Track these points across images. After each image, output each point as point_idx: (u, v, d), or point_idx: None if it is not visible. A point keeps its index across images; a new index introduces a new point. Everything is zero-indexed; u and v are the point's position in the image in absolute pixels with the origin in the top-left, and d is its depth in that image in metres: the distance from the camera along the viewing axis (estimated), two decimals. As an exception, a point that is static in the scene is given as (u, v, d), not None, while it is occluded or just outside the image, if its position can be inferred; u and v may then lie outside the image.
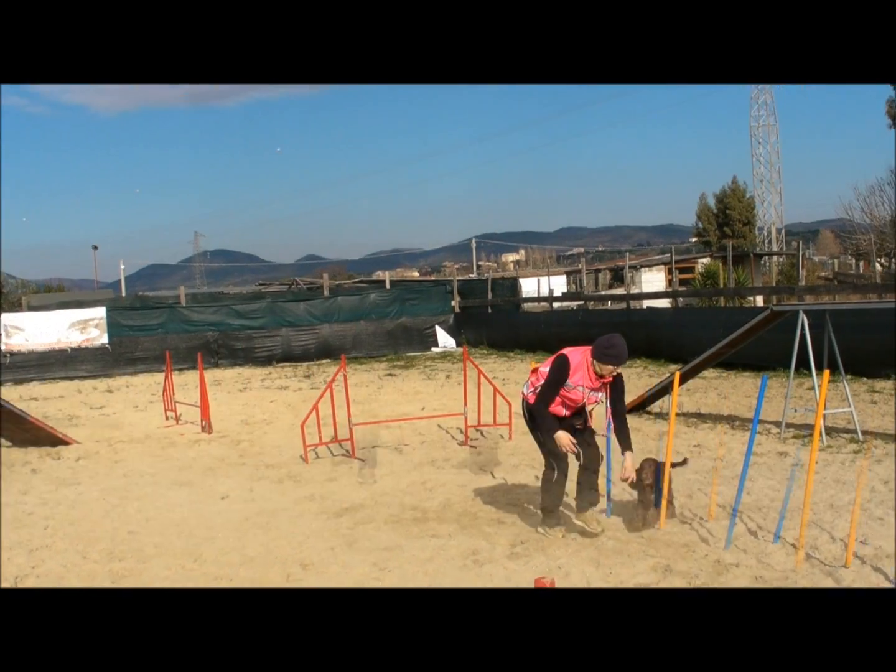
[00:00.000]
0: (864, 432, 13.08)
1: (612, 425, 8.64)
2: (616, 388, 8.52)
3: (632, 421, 15.18)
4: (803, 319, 13.30)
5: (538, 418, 8.54)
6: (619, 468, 8.76)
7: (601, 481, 9.11)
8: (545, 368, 8.59)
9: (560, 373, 8.39)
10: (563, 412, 8.58)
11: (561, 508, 8.93)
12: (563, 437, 8.30)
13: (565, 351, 8.53)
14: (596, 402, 8.60)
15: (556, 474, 8.61)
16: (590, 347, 8.36)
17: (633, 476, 8.49)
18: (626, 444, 8.45)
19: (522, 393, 8.88)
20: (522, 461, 12.32)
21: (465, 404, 14.43)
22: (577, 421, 8.69)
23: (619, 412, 8.57)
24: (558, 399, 8.50)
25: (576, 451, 8.34)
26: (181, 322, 32.28)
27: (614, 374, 8.34)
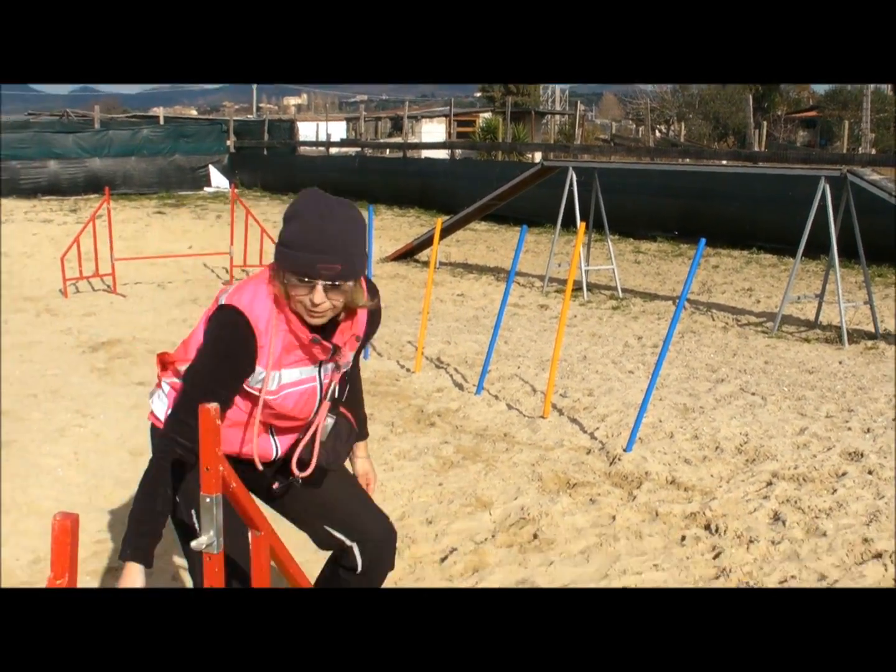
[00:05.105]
0: (625, 290, 13.55)
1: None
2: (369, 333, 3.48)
3: (398, 268, 15.44)
4: (572, 176, 13.62)
5: (142, 484, 2.99)
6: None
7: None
8: (191, 354, 3.24)
9: (227, 357, 3.09)
10: (270, 451, 3.36)
11: None
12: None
13: (227, 297, 3.13)
14: (331, 383, 3.36)
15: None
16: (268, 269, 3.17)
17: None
18: (362, 429, 3.78)
19: (151, 410, 3.45)
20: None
21: (232, 244, 14.34)
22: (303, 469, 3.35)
23: (355, 375, 3.70)
24: (262, 425, 3.31)
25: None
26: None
27: (336, 303, 3.05)
